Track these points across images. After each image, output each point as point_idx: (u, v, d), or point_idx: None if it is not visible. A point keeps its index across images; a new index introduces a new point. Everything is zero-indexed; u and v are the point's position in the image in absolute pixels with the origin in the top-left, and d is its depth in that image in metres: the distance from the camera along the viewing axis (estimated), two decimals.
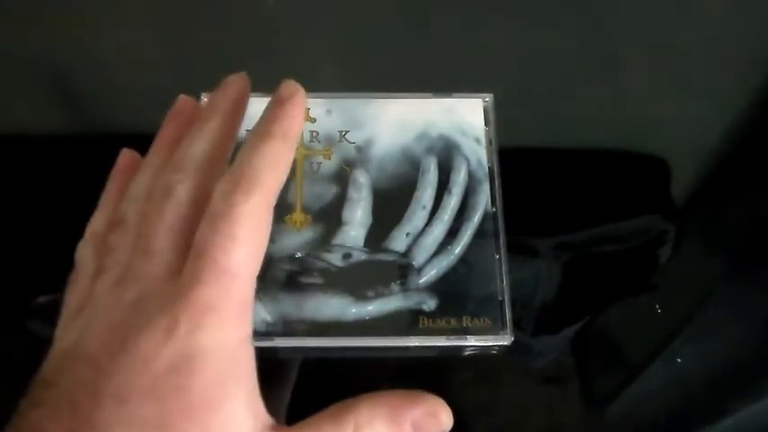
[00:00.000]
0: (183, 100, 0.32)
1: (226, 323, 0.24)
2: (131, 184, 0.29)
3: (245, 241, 0.25)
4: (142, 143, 0.39)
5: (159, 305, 0.24)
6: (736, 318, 0.38)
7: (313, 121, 0.36)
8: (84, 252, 0.29)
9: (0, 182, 0.38)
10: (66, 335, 0.26)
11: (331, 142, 0.36)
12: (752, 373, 0.37)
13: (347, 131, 0.36)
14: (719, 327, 0.38)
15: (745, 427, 0.35)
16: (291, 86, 0.28)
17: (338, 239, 0.33)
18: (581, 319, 0.36)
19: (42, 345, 0.34)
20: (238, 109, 0.30)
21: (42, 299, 0.35)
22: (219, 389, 0.23)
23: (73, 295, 0.28)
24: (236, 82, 0.30)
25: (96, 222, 0.30)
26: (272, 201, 0.26)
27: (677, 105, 0.43)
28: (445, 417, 0.26)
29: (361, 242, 0.33)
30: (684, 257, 0.39)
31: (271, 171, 0.26)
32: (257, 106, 0.36)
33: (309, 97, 0.36)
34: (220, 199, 0.25)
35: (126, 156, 0.32)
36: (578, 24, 0.44)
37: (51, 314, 0.34)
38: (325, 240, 0.34)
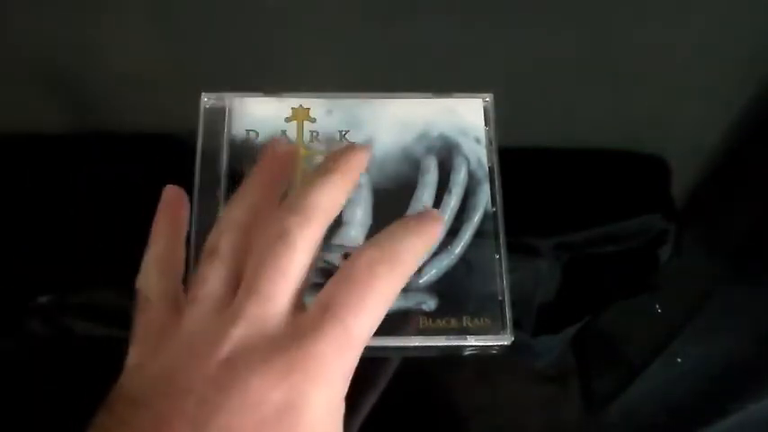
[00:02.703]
0: (279, 150, 0.33)
1: (335, 382, 0.24)
2: (224, 216, 0.29)
3: (374, 312, 0.25)
4: (142, 143, 0.39)
5: (274, 348, 0.24)
6: (736, 318, 0.38)
7: (313, 121, 0.36)
8: (150, 281, 0.29)
9: (0, 182, 0.38)
10: (151, 357, 0.26)
11: (331, 142, 0.36)
12: (752, 373, 0.37)
13: (347, 131, 0.36)
14: (719, 327, 0.38)
15: (745, 427, 0.35)
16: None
17: (338, 239, 0.33)
18: (581, 319, 0.36)
19: (42, 345, 0.35)
20: (360, 168, 0.30)
21: (42, 299, 0.35)
22: None
23: (146, 318, 0.27)
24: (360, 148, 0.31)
25: (153, 254, 0.30)
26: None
27: (677, 105, 0.43)
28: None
29: (361, 242, 0.34)
30: (684, 257, 0.39)
31: (415, 257, 0.28)
32: (258, 106, 0.36)
33: (309, 97, 0.36)
34: (365, 264, 0.26)
35: (172, 191, 0.32)
36: (578, 24, 0.44)
37: (51, 314, 0.35)
38: (325, 240, 0.34)
